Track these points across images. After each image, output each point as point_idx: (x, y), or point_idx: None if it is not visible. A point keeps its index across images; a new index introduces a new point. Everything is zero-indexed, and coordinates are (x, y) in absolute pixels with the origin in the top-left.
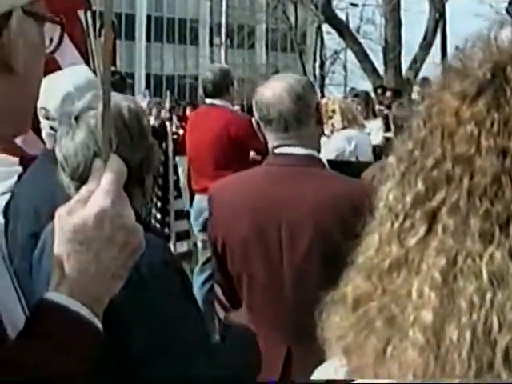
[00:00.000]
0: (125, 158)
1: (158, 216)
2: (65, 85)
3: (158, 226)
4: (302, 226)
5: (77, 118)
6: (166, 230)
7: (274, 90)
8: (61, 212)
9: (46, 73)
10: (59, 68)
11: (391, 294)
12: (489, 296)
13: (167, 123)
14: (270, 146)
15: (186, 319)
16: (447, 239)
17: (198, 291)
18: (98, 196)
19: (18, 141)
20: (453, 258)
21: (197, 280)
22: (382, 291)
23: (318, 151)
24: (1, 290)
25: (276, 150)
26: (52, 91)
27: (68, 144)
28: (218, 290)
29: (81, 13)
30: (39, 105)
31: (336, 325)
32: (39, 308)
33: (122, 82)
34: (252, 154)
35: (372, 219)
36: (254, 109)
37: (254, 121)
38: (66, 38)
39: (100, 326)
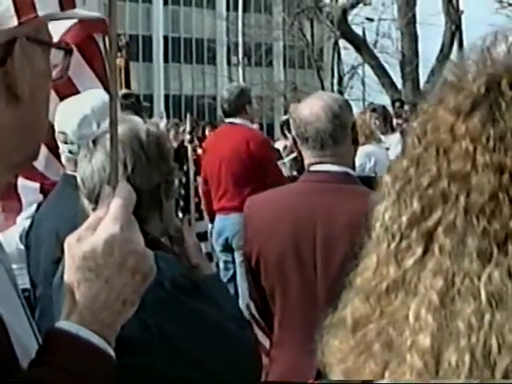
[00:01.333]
0: (141, 179)
1: None
2: (82, 108)
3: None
4: (337, 240)
5: (95, 141)
6: None
7: (311, 108)
8: (70, 240)
9: (64, 97)
10: (77, 92)
11: (389, 317)
12: (487, 317)
13: (188, 145)
14: (306, 162)
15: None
16: (444, 260)
17: None
18: (106, 222)
19: (41, 167)
20: (450, 278)
21: None
22: (380, 314)
23: (353, 169)
24: (11, 318)
25: (312, 168)
26: (69, 115)
27: (85, 166)
28: (251, 307)
29: (98, 37)
30: (57, 129)
31: (336, 348)
32: (50, 337)
33: (137, 105)
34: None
35: (369, 240)
36: (291, 126)
37: (290, 137)
38: (83, 63)
39: (112, 353)
